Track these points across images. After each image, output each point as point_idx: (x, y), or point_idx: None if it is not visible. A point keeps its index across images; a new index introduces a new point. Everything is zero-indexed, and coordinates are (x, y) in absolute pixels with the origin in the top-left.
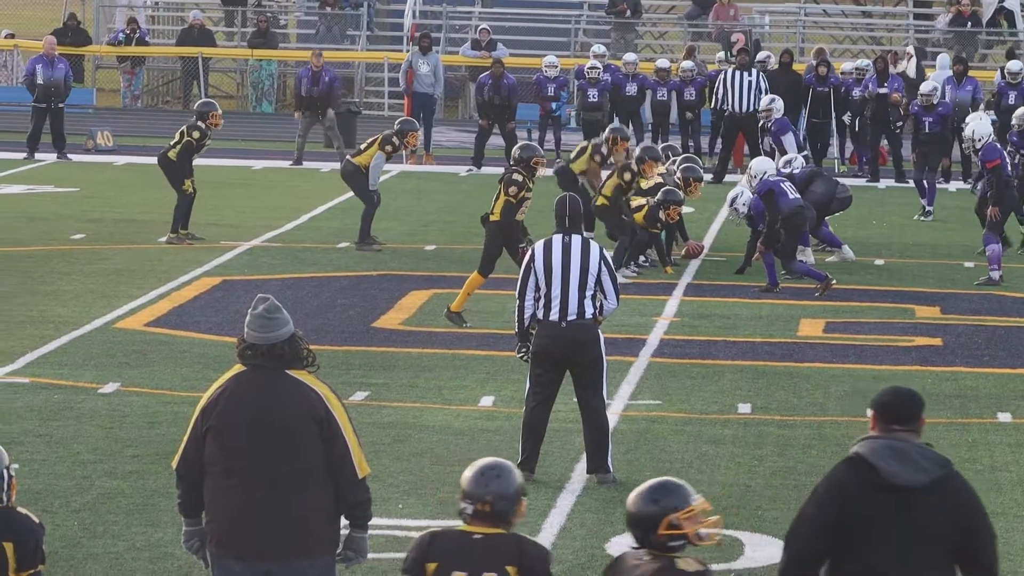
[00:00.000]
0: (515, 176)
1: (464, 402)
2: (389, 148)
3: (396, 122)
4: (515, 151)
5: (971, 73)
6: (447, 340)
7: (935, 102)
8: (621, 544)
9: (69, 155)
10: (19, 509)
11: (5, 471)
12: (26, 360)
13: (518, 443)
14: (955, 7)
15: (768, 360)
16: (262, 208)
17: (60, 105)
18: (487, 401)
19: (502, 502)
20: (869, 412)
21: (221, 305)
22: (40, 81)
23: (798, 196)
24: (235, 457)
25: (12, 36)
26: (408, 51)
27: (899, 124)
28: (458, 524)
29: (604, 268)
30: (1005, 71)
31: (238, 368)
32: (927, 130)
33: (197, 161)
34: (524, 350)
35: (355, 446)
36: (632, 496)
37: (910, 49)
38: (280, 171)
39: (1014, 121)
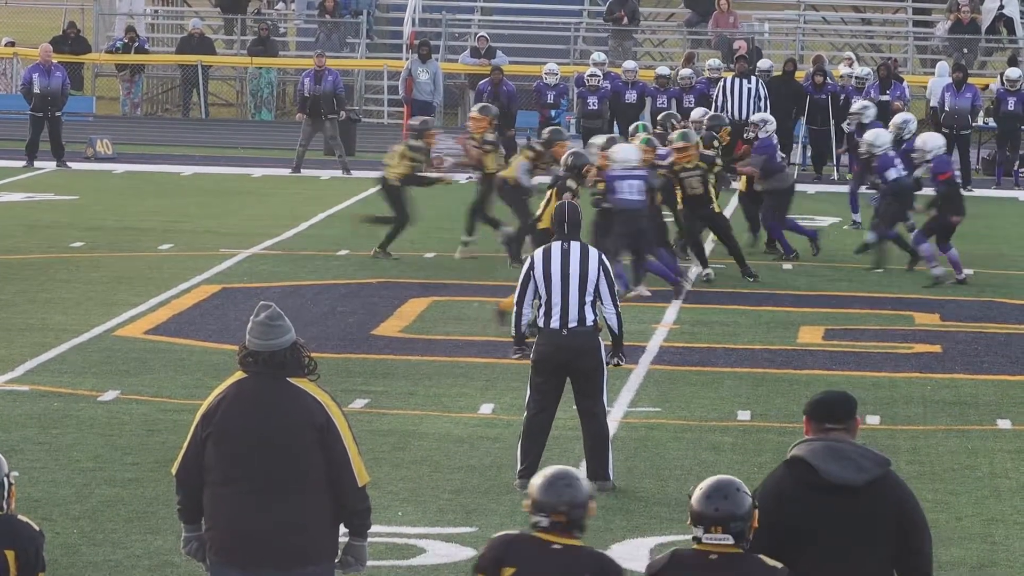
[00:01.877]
0: (569, 183)
1: (464, 409)
2: (531, 155)
3: (545, 131)
4: (567, 158)
5: (971, 80)
6: (447, 348)
7: (865, 122)
8: (620, 552)
9: (68, 163)
10: (19, 517)
11: (5, 479)
12: (26, 368)
13: (516, 451)
14: (955, 14)
15: (768, 367)
16: (261, 216)
17: (57, 114)
18: (487, 408)
19: (577, 510)
20: (805, 417)
21: (221, 313)
22: (37, 90)
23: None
24: (234, 464)
25: (12, 44)
26: (407, 59)
27: None
28: (452, 532)
29: (603, 275)
30: (1004, 78)
31: (239, 375)
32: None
33: (199, 168)
34: (519, 351)
35: (355, 454)
36: (721, 495)
37: (849, 54)
38: (279, 179)
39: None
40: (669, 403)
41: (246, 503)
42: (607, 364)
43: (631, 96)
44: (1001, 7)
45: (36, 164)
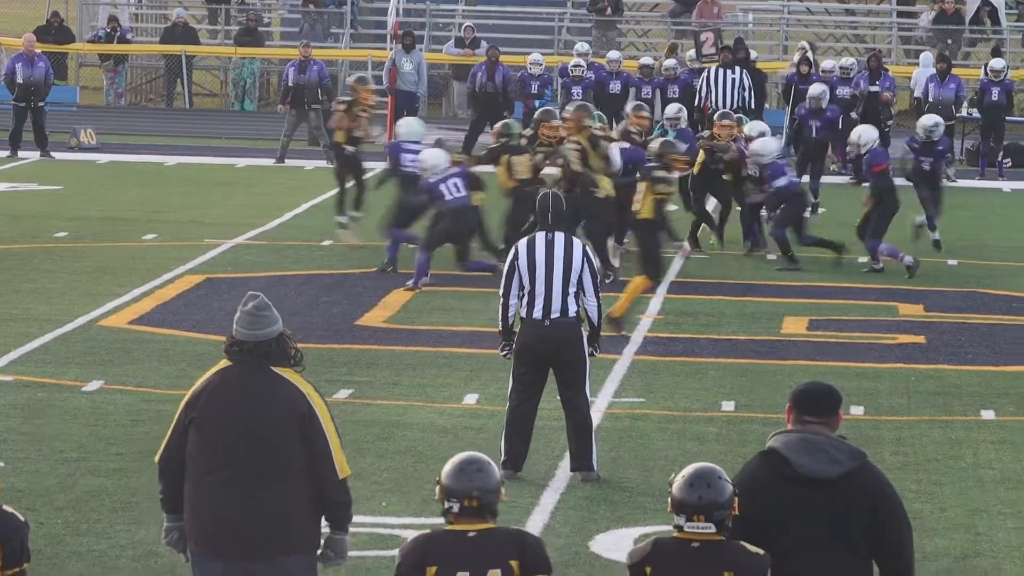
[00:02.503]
0: (661, 173)
1: (448, 400)
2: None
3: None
4: (655, 145)
5: (955, 71)
6: (430, 338)
7: (823, 106)
8: (604, 542)
9: (52, 153)
10: (4, 507)
11: None
12: (9, 358)
13: (500, 441)
14: (939, 5)
15: (752, 358)
16: (245, 206)
17: (40, 104)
18: (471, 399)
19: (489, 495)
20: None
21: (204, 303)
22: (20, 80)
23: None
24: (216, 452)
25: None
26: (391, 49)
27: (888, 123)
28: (440, 524)
29: (587, 266)
30: (988, 68)
31: (224, 363)
32: (814, 135)
33: (183, 158)
34: (507, 348)
35: (336, 446)
36: (704, 483)
37: (804, 44)
38: (263, 169)
39: (917, 130)
40: (653, 393)
41: (227, 492)
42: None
43: (615, 86)
44: None
45: (20, 154)
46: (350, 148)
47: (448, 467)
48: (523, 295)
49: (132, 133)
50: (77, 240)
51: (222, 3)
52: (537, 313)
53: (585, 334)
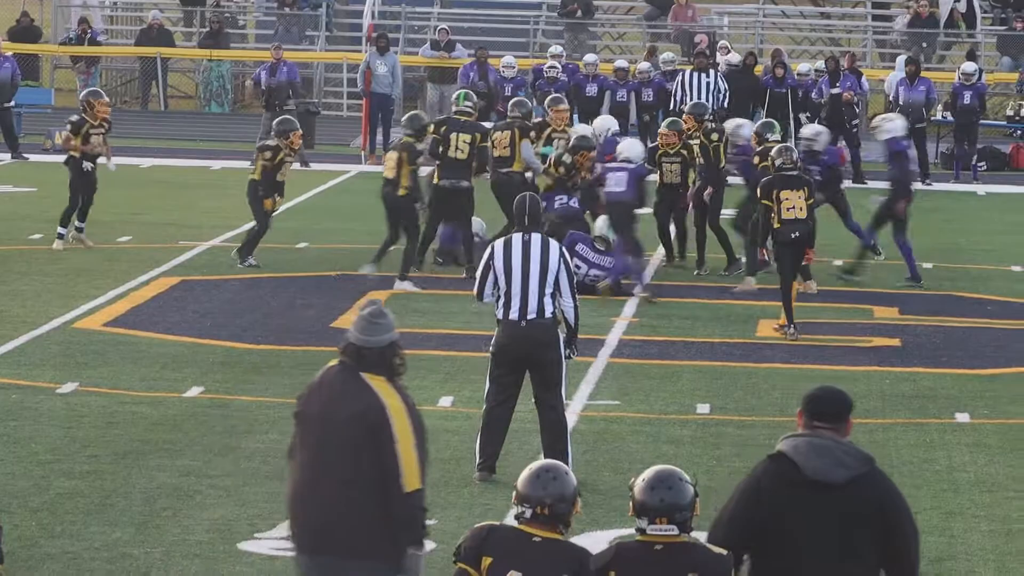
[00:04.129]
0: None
1: (423, 402)
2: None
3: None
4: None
5: (930, 75)
6: (406, 340)
7: (817, 149)
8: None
9: (25, 155)
10: None
11: None
12: None
13: (475, 444)
14: (913, 8)
15: (727, 360)
16: (220, 208)
17: (7, 105)
18: (446, 401)
19: (561, 504)
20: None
21: (180, 305)
22: None
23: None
24: (302, 449)
25: None
26: (366, 52)
27: (855, 124)
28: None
29: (563, 267)
30: (960, 72)
31: (333, 362)
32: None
33: (158, 160)
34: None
35: (409, 460)
36: (665, 486)
37: (725, 43)
38: (238, 171)
39: (800, 142)
40: (628, 396)
41: (306, 489)
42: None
43: (592, 90)
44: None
45: None
46: (88, 165)
47: (525, 473)
48: (499, 296)
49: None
50: (51, 242)
51: (197, 6)
52: (513, 314)
53: (562, 336)
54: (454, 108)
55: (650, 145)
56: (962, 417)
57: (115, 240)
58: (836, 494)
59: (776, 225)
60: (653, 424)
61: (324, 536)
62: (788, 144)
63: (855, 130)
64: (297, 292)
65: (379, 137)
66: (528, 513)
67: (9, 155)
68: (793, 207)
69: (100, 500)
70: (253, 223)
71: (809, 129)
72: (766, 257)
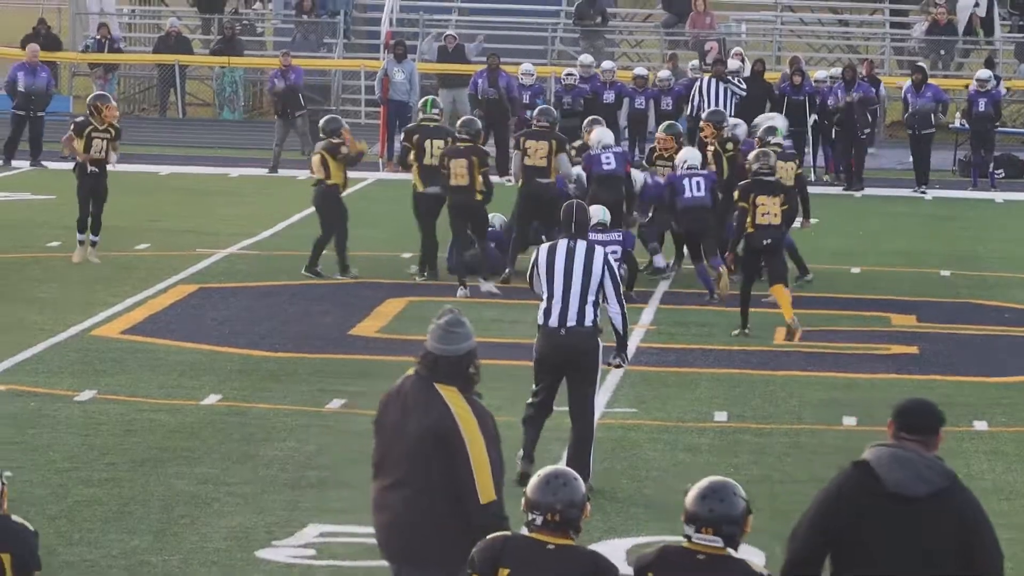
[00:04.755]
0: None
1: None
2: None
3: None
4: None
5: (948, 82)
6: (423, 348)
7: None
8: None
9: (44, 162)
10: (13, 518)
11: None
12: (2, 368)
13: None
14: (932, 15)
15: (744, 368)
16: (238, 216)
17: (40, 113)
18: None
19: (572, 510)
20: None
21: (197, 313)
22: (21, 88)
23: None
24: (380, 457)
25: None
26: (384, 59)
27: (866, 131)
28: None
29: (608, 274)
30: (975, 79)
31: (411, 371)
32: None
33: (176, 168)
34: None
35: (482, 471)
36: (717, 497)
37: (737, 49)
38: (256, 179)
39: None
40: (646, 404)
41: (383, 496)
42: (609, 363)
43: (609, 96)
44: (976, 4)
45: (13, 163)
46: (92, 169)
47: (534, 480)
48: (542, 300)
49: (125, 143)
50: (70, 250)
51: (215, 13)
52: (553, 322)
53: (602, 344)
54: (421, 115)
55: (648, 147)
56: (980, 425)
57: (133, 248)
58: (916, 507)
59: (750, 230)
60: (671, 432)
61: (398, 543)
62: (766, 150)
63: (864, 137)
64: (315, 299)
65: (396, 144)
66: (539, 520)
67: (28, 162)
68: (768, 213)
69: (118, 508)
70: (320, 234)
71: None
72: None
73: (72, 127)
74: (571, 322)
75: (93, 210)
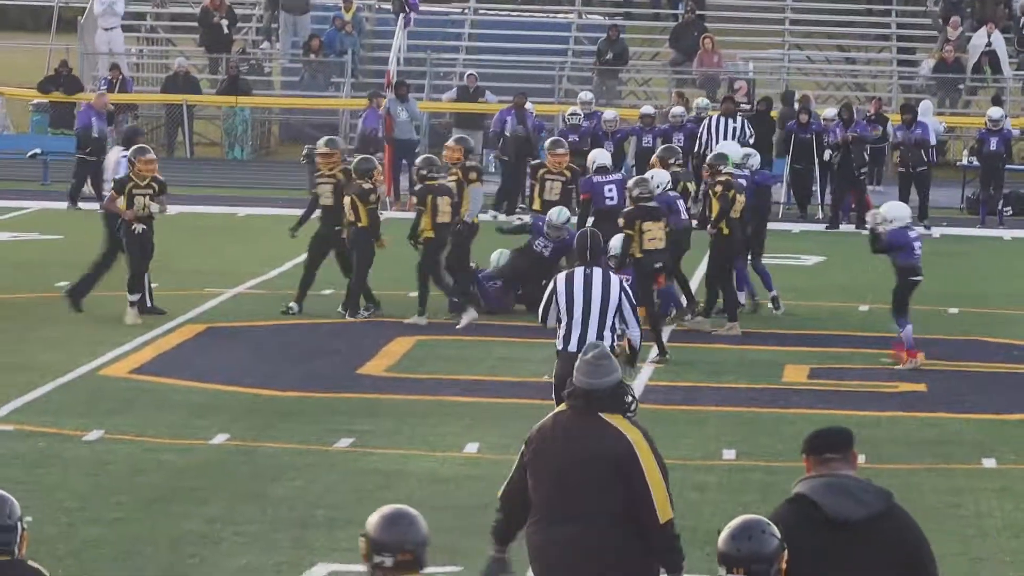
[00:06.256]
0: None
1: (449, 448)
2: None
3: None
4: None
5: (955, 119)
6: (432, 387)
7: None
8: None
9: (57, 202)
10: (29, 562)
11: (19, 523)
12: (10, 407)
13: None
14: (939, 53)
15: (753, 406)
16: (246, 255)
17: (92, 158)
18: (472, 448)
19: (421, 548)
20: (803, 456)
21: (206, 352)
22: (95, 134)
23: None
24: (544, 494)
25: None
26: (386, 98)
27: (863, 170)
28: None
29: (624, 299)
30: (987, 117)
31: (562, 407)
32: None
33: (184, 207)
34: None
35: (659, 492)
36: (746, 536)
37: (741, 83)
38: (264, 218)
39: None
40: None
41: (553, 532)
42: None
43: (609, 147)
44: (989, 45)
45: (22, 204)
46: (139, 227)
47: (376, 519)
48: (560, 328)
49: None
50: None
51: (222, 52)
52: (572, 346)
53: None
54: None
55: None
56: (988, 462)
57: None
58: (857, 532)
59: (638, 255)
60: (679, 470)
61: (576, 573)
62: (644, 176)
63: (862, 176)
64: (323, 338)
65: (403, 183)
66: (390, 562)
67: (42, 203)
68: (654, 238)
69: (127, 547)
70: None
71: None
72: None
73: (113, 184)
74: None
75: (144, 268)
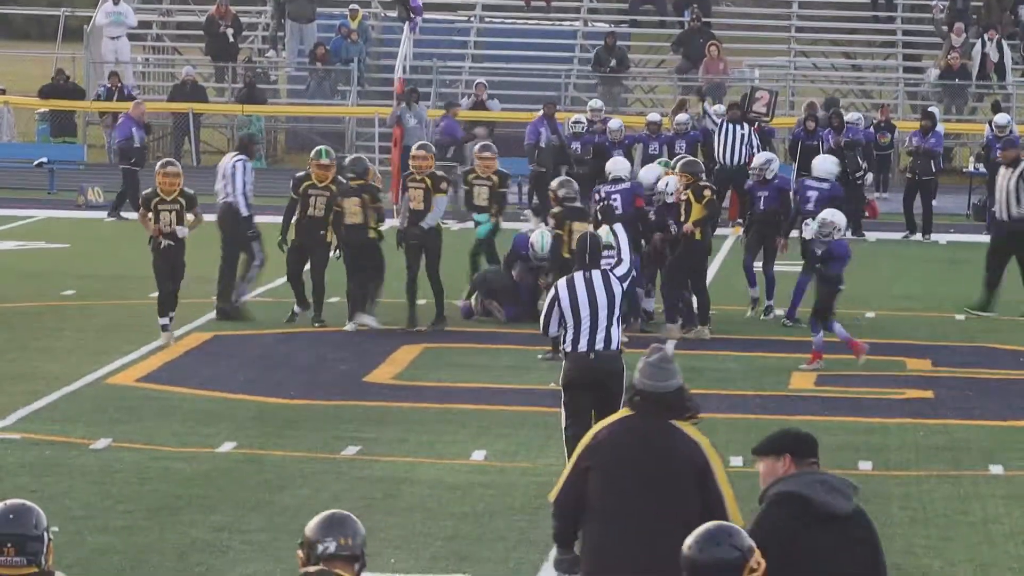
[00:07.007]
0: None
1: (456, 456)
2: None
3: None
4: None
5: (960, 126)
6: (438, 394)
7: (769, 176)
8: None
9: (58, 210)
10: (57, 574)
11: (45, 533)
12: (17, 416)
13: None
14: (945, 60)
15: (760, 413)
16: None
17: (134, 168)
18: (479, 455)
19: (361, 546)
20: (775, 456)
21: (212, 360)
22: (137, 144)
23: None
24: (616, 501)
25: (3, 92)
26: (396, 103)
27: (858, 176)
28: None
29: (623, 289)
30: (993, 124)
31: (625, 412)
32: (762, 207)
33: (189, 215)
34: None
35: (730, 497)
36: (706, 545)
37: (762, 92)
38: (270, 226)
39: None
40: None
41: (627, 541)
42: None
43: (616, 154)
44: (984, 52)
45: (28, 213)
46: (166, 242)
47: (315, 522)
48: (567, 331)
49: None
50: (84, 298)
51: (229, 61)
52: (582, 346)
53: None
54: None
55: None
56: (996, 469)
57: (148, 296)
58: (844, 525)
59: (567, 255)
60: None
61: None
62: (568, 178)
63: (860, 182)
64: (329, 346)
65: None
66: (332, 547)
67: (47, 212)
68: None
69: (134, 556)
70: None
71: (760, 158)
72: None
73: (141, 200)
74: (599, 345)
75: (171, 287)
